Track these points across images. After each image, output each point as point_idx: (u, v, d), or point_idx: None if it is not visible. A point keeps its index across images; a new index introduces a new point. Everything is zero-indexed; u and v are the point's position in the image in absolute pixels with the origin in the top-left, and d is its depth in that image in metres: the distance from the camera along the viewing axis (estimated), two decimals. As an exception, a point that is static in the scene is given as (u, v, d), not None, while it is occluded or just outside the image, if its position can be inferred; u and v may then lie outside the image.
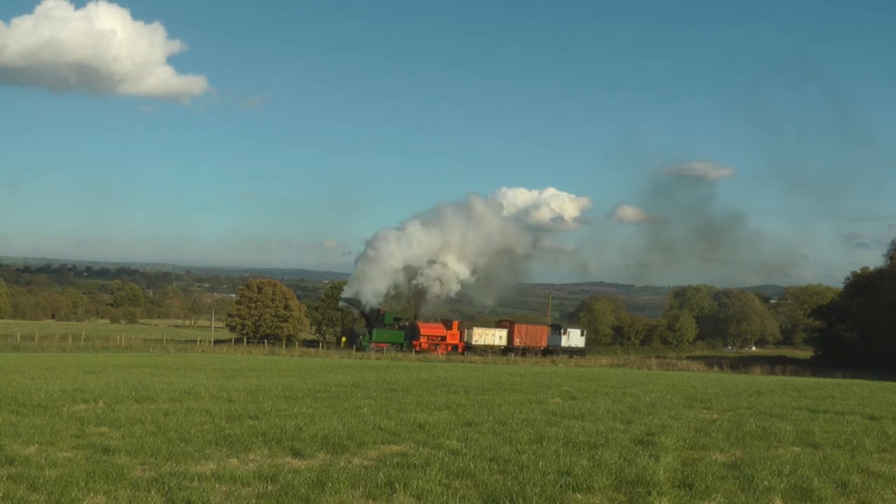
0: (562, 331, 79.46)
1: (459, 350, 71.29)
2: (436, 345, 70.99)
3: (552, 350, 76.45)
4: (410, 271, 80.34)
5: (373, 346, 67.90)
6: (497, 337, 75.07)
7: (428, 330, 72.51)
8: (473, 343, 72.87)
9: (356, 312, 75.88)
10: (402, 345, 69.92)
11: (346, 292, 78.42)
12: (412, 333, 71.74)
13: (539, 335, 77.69)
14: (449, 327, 73.45)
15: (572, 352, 77.06)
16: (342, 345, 71.03)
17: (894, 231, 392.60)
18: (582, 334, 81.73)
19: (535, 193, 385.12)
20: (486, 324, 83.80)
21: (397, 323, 74.31)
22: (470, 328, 75.29)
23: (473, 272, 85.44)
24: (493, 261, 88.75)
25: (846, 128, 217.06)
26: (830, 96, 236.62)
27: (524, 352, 74.28)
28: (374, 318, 73.25)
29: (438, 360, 54.17)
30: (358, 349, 66.49)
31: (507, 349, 74.15)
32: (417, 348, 69.34)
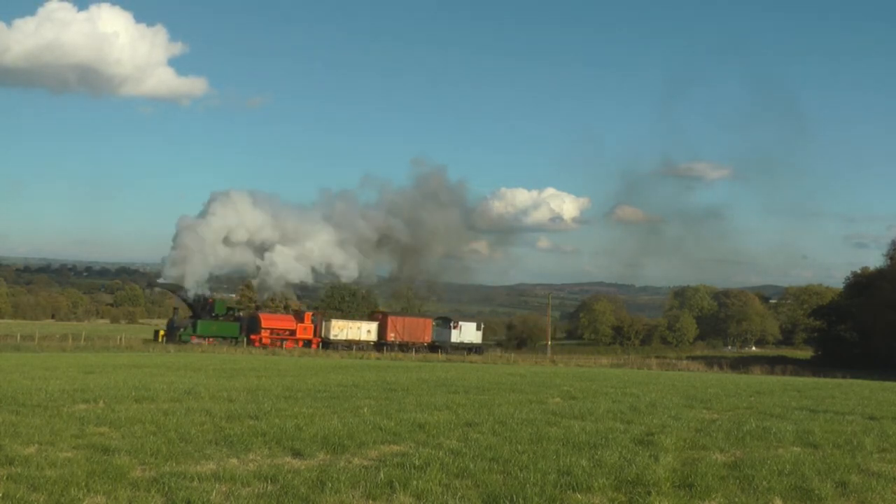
0: (452, 324, 71.50)
1: (314, 346, 63.31)
2: (282, 340, 62.83)
3: (440, 346, 68.50)
4: (255, 253, 71.80)
5: (195, 340, 58.83)
6: (364, 331, 67.20)
7: (272, 322, 64.18)
8: (333, 338, 64.96)
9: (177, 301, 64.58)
10: (236, 339, 61.06)
11: (167, 276, 67.30)
12: (252, 326, 63.08)
13: (421, 329, 70.24)
14: (300, 319, 65.30)
15: (466, 348, 69.08)
16: (160, 339, 60.14)
17: (894, 231, 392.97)
18: (478, 328, 73.86)
19: (534, 193, 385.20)
20: (352, 316, 75.51)
21: (232, 313, 64.62)
22: (328, 320, 67.15)
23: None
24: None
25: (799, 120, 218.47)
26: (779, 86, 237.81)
27: (402, 348, 66.51)
28: (200, 308, 63.23)
29: (439, 361, 54.03)
30: (180, 342, 57.61)
31: (381, 345, 66.39)
32: (257, 343, 60.93)
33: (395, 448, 9.58)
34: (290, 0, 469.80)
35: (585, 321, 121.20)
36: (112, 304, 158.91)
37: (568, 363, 61.82)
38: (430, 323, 72.50)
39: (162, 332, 61.30)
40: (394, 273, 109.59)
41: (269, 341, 62.01)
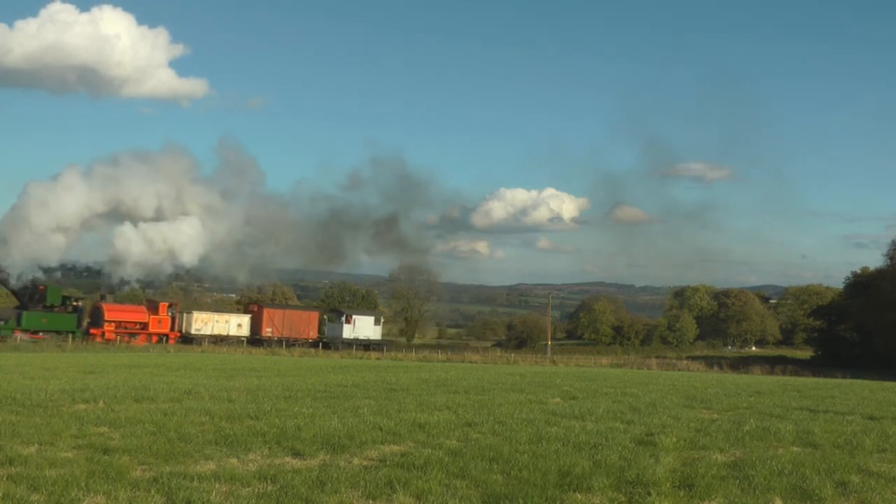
0: (344, 318, 65.62)
1: (170, 340, 58.01)
2: (130, 334, 56.92)
3: (330, 343, 63.38)
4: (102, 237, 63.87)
5: (18, 335, 51.10)
6: (234, 325, 61.98)
7: (118, 314, 57.88)
8: (195, 332, 59.97)
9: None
10: (72, 333, 53.68)
11: None
12: (94, 318, 57.10)
13: (304, 323, 65.21)
14: (154, 311, 59.32)
15: (362, 345, 62.77)
16: None
17: (894, 231, 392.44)
18: (377, 322, 67.30)
19: (533, 193, 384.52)
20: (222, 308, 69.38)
21: (69, 303, 57.09)
22: (189, 312, 62.11)
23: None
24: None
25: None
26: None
27: (284, 343, 61.34)
28: (27, 297, 55.35)
29: (438, 360, 53.89)
30: None
31: (257, 340, 61.50)
32: (99, 338, 54.79)
33: (395, 448, 9.58)
34: (290, 1, 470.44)
35: (585, 321, 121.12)
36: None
37: (568, 363, 61.78)
38: (315, 316, 67.38)
39: None
40: (393, 274, 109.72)
41: (113, 336, 55.77)
